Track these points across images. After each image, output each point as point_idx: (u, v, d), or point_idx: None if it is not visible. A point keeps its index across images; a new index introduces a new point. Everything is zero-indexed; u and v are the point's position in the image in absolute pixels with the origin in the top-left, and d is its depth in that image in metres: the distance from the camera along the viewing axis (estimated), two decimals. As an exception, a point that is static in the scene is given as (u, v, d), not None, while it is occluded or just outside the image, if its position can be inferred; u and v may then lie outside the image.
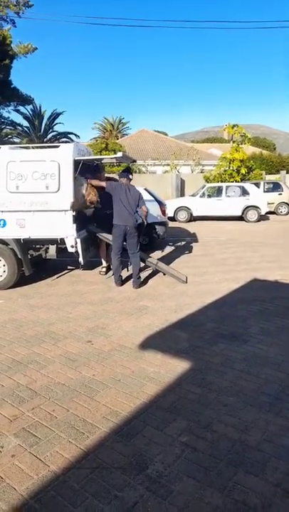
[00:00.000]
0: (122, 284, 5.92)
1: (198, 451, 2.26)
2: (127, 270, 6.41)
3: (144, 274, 6.46)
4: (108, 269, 6.70)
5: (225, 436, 2.39)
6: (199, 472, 2.10)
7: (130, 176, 5.95)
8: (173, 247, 9.09)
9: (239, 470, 2.11)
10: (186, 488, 2.00)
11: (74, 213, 5.55)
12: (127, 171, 6.10)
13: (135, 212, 5.79)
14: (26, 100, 25.54)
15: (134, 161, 8.13)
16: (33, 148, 6.56)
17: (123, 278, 6.04)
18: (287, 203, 16.70)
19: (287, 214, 16.59)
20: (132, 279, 5.88)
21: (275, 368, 3.25)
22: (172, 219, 13.93)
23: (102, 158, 7.10)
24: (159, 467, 2.14)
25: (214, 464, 2.16)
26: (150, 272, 6.51)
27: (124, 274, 6.25)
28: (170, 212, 13.58)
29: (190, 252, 8.61)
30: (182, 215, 14.64)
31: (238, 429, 2.46)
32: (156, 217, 8.24)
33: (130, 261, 5.94)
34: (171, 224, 10.79)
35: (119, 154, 6.24)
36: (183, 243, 9.72)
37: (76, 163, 5.61)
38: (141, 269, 6.63)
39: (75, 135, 28.91)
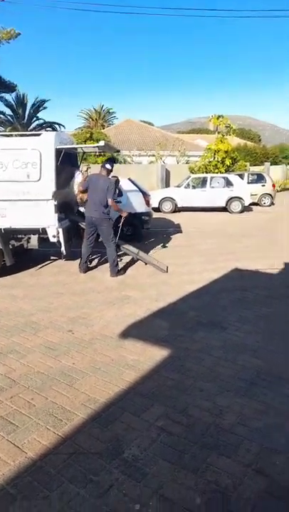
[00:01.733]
0: (85, 272, 6.03)
1: (174, 435, 2.32)
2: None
3: (125, 264, 6.48)
4: (90, 260, 6.69)
5: (200, 421, 2.45)
6: (174, 455, 2.16)
7: (107, 166, 5.83)
8: (157, 238, 9.11)
9: (212, 452, 2.17)
10: (161, 471, 2.05)
11: (56, 202, 5.50)
12: (108, 161, 6.03)
13: (106, 203, 5.65)
14: (9, 87, 24.90)
15: (118, 151, 8.07)
16: (14, 136, 6.45)
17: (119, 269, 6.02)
18: (270, 195, 16.87)
19: (270, 205, 16.77)
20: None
21: (252, 355, 3.33)
22: (157, 210, 13.92)
23: (85, 147, 7.03)
24: (135, 451, 2.19)
25: (189, 447, 2.22)
26: (132, 261, 6.52)
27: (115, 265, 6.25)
28: (155, 203, 13.55)
29: (174, 242, 8.65)
30: (167, 206, 14.65)
31: (212, 413, 2.52)
32: (140, 207, 8.24)
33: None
34: (155, 215, 10.80)
35: (102, 143, 6.18)
36: (167, 234, 9.76)
37: (58, 152, 5.55)
38: (122, 258, 6.65)
39: (60, 125, 28.45)
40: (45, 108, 28.36)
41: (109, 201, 5.65)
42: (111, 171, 5.87)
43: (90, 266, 6.47)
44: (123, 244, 6.41)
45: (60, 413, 2.54)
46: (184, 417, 2.48)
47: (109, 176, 5.91)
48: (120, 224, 6.25)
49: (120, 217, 6.23)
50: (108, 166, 5.82)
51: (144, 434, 2.33)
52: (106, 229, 5.79)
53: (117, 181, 7.20)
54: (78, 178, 6.45)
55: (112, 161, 6.17)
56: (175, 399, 2.68)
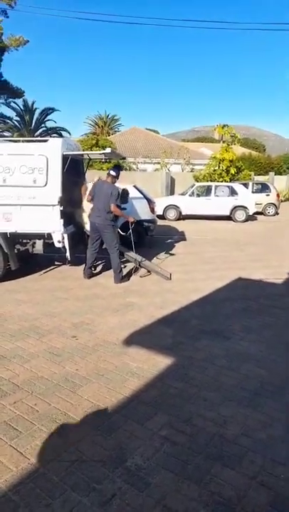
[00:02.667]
0: (89, 277, 6.06)
1: (178, 445, 2.30)
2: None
3: (129, 271, 6.49)
4: (95, 266, 6.71)
5: (204, 431, 2.43)
6: (177, 465, 2.14)
7: (112, 172, 5.80)
8: (161, 245, 9.12)
9: (216, 463, 2.16)
10: (164, 481, 2.03)
11: (61, 208, 5.54)
12: (113, 168, 6.02)
13: (109, 209, 5.63)
14: (17, 93, 25.25)
15: (124, 158, 8.15)
16: (22, 141, 6.51)
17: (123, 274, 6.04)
18: (274, 204, 16.89)
19: (274, 215, 16.78)
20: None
21: (256, 364, 3.31)
22: (161, 217, 13.96)
23: (91, 154, 7.08)
24: (138, 460, 2.17)
25: (192, 457, 2.20)
26: (136, 268, 6.52)
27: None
28: (159, 211, 13.60)
29: (177, 250, 8.65)
30: (171, 214, 14.68)
31: (216, 423, 2.50)
32: (144, 214, 8.26)
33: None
34: (160, 222, 10.82)
35: (108, 150, 6.23)
36: (171, 241, 9.77)
37: (65, 158, 5.59)
38: (126, 265, 6.66)
39: (66, 131, 28.75)
40: (52, 112, 28.63)
41: (112, 207, 5.63)
42: (117, 177, 5.86)
43: (95, 272, 6.48)
44: (127, 252, 6.42)
45: (63, 419, 2.54)
46: (188, 427, 2.47)
47: (115, 183, 5.92)
48: (130, 230, 6.22)
49: (127, 223, 6.24)
50: (112, 172, 5.80)
51: (147, 443, 2.32)
52: (109, 235, 5.79)
53: (127, 193, 7.16)
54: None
55: (118, 168, 6.16)
56: (179, 408, 2.67)
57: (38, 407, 2.66)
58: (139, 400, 2.76)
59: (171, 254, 7.87)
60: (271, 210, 16.87)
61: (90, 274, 6.12)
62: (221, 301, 5.04)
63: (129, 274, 6.20)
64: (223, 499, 1.92)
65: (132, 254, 6.40)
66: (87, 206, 6.42)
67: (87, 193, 6.12)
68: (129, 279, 6.03)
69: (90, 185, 6.30)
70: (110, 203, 5.62)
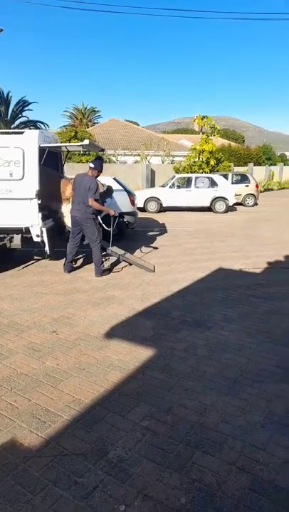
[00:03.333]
0: (70, 271, 6.01)
1: (159, 435, 2.32)
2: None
3: (110, 264, 6.46)
4: (76, 259, 6.65)
5: (184, 419, 2.46)
6: (159, 455, 2.16)
7: (90, 165, 5.69)
8: (142, 237, 9.11)
9: (197, 451, 2.19)
10: (146, 471, 2.05)
11: (39, 201, 5.44)
12: (94, 160, 5.86)
13: (87, 202, 5.55)
14: (-9, 84, 24.45)
15: (103, 150, 8.01)
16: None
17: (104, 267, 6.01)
18: (254, 195, 17.11)
19: (253, 205, 17.01)
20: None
21: (236, 353, 3.37)
22: (142, 209, 13.94)
23: (69, 146, 6.96)
24: (120, 452, 2.18)
25: (173, 446, 2.23)
26: (117, 261, 6.50)
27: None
28: (140, 203, 13.57)
29: (158, 242, 8.66)
30: (152, 206, 14.67)
31: (197, 411, 2.54)
32: (125, 207, 8.21)
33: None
34: (141, 214, 10.79)
35: (86, 142, 6.12)
36: (152, 233, 9.77)
37: (41, 150, 5.48)
38: (107, 258, 6.63)
39: (44, 124, 28.12)
40: (29, 104, 27.94)
41: (90, 201, 5.52)
42: (97, 169, 5.71)
43: (75, 266, 6.42)
44: (109, 247, 6.36)
45: (44, 415, 2.51)
46: (169, 417, 2.49)
47: (98, 176, 5.79)
48: (114, 225, 6.17)
49: (107, 216, 6.18)
50: (91, 164, 5.68)
51: (128, 434, 2.33)
52: (90, 229, 5.72)
53: (112, 190, 7.04)
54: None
55: (99, 160, 5.99)
56: (160, 398, 2.69)
57: (17, 404, 2.63)
58: (120, 392, 2.77)
59: (154, 248, 7.85)
60: (251, 201, 17.09)
61: (70, 269, 6.05)
62: (201, 292, 5.09)
63: (109, 269, 6.16)
64: (203, 485, 1.95)
65: (114, 249, 6.35)
66: (67, 200, 6.33)
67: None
68: (110, 273, 6.00)
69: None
70: (88, 197, 5.53)
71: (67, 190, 6.31)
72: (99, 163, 5.80)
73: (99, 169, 5.74)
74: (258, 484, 1.95)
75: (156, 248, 7.84)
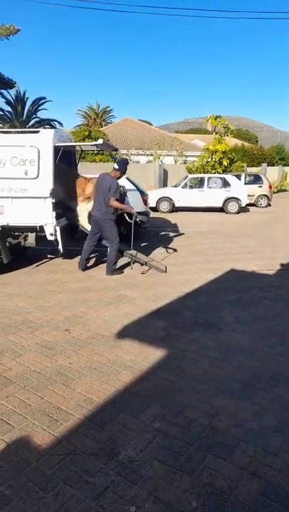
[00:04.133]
0: (84, 270, 6.03)
1: (170, 437, 2.31)
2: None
3: (121, 263, 6.48)
4: (89, 258, 6.69)
5: (196, 422, 2.44)
6: (170, 457, 2.15)
7: (115, 166, 5.75)
8: (154, 237, 9.10)
9: (208, 454, 2.17)
10: (157, 473, 2.04)
11: (54, 200, 5.48)
12: (119, 161, 5.91)
13: (108, 202, 5.57)
14: (8, 84, 24.75)
15: (116, 150, 8.03)
16: (13, 133, 6.41)
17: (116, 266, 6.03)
18: (267, 196, 16.94)
19: (266, 206, 16.84)
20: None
21: (248, 356, 3.33)
22: (154, 209, 13.93)
23: (83, 145, 7.00)
24: (131, 453, 2.18)
25: (185, 448, 2.22)
26: (129, 261, 6.51)
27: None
28: (152, 203, 13.56)
29: (170, 242, 8.64)
30: (164, 206, 14.65)
31: (209, 414, 2.52)
32: (137, 206, 8.21)
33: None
34: (153, 214, 10.80)
35: (100, 141, 6.15)
36: (164, 233, 9.75)
37: (56, 149, 5.52)
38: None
39: (59, 122, 28.34)
40: (44, 103, 28.19)
41: (110, 200, 5.57)
42: (120, 171, 5.72)
43: (89, 265, 6.45)
44: (127, 250, 6.36)
45: (56, 413, 2.53)
46: (180, 419, 2.48)
47: (118, 176, 5.78)
48: (133, 220, 6.11)
49: (123, 216, 6.19)
50: (115, 165, 5.75)
51: (140, 435, 2.33)
52: (109, 229, 5.72)
53: (124, 192, 7.02)
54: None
55: (123, 161, 5.99)
56: (171, 400, 2.68)
57: (30, 401, 2.66)
58: (131, 393, 2.77)
59: (174, 250, 7.63)
60: (263, 202, 16.92)
61: (85, 267, 6.09)
62: (213, 293, 5.06)
63: (122, 268, 6.16)
64: (215, 489, 1.93)
65: (129, 252, 6.35)
66: (86, 200, 6.34)
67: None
68: (122, 272, 6.01)
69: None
70: (109, 197, 5.54)
71: (87, 189, 6.31)
72: (123, 164, 5.83)
73: (122, 170, 5.77)
74: (270, 490, 1.93)
75: (175, 250, 7.61)
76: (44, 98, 28.37)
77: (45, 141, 5.50)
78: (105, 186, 5.57)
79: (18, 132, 6.33)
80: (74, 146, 6.68)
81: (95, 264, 6.56)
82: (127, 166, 5.98)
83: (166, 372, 3.05)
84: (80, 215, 6.39)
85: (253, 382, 2.92)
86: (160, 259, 6.77)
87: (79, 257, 6.64)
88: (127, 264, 6.44)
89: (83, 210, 6.37)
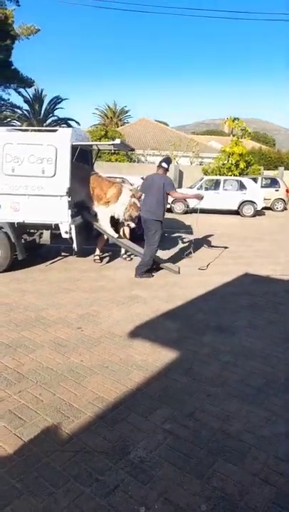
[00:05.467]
0: (141, 276, 5.76)
1: (180, 439, 2.30)
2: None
3: (135, 264, 6.49)
4: (102, 257, 6.72)
5: (207, 425, 2.43)
6: (180, 459, 2.14)
7: (163, 164, 5.72)
8: (166, 238, 9.08)
9: (219, 458, 2.16)
10: (167, 474, 2.04)
11: (69, 199, 5.52)
12: (166, 160, 5.88)
13: (163, 201, 5.54)
14: (27, 82, 25.16)
15: (133, 150, 8.06)
16: (31, 131, 6.49)
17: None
18: (283, 199, 16.73)
19: (283, 210, 16.63)
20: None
21: (261, 361, 3.30)
22: (169, 210, 13.87)
23: (100, 145, 7.04)
24: (142, 453, 2.18)
25: (195, 451, 2.21)
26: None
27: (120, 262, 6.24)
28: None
29: (184, 244, 8.61)
30: (179, 207, 14.61)
31: (220, 418, 2.50)
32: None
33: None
34: (167, 215, 10.73)
35: (117, 141, 6.17)
36: (177, 235, 9.72)
37: (74, 148, 5.56)
38: (132, 257, 6.64)
39: (76, 122, 28.63)
40: (61, 101, 28.48)
41: (173, 194, 5.64)
42: (168, 170, 5.74)
43: (101, 264, 6.49)
44: (133, 247, 6.36)
45: (67, 410, 2.55)
46: (191, 421, 2.47)
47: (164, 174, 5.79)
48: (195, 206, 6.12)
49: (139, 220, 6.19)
50: (165, 164, 5.74)
51: (150, 435, 2.33)
52: (154, 230, 5.62)
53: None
54: (125, 195, 6.26)
55: (169, 161, 6.00)
56: (182, 402, 2.67)
57: (42, 397, 2.68)
58: (142, 393, 2.77)
59: (190, 253, 7.40)
60: (280, 206, 16.72)
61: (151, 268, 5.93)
62: (227, 297, 5.02)
63: (151, 271, 5.97)
64: (225, 494, 1.92)
65: (138, 249, 6.35)
66: (106, 203, 6.28)
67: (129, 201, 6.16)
68: (152, 276, 5.84)
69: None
70: (168, 192, 5.56)
71: (109, 192, 6.24)
72: (170, 163, 5.91)
73: (168, 169, 5.86)
74: (282, 498, 1.90)
75: (190, 254, 7.57)
76: (60, 97, 28.65)
77: (62, 139, 5.55)
78: (158, 185, 5.53)
79: (35, 131, 6.40)
80: (91, 145, 6.72)
81: (108, 264, 6.59)
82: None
83: (178, 374, 3.04)
84: (98, 216, 6.36)
85: (265, 388, 2.88)
86: (175, 260, 6.75)
87: (92, 255, 6.70)
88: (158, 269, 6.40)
89: (105, 213, 6.30)
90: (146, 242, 5.77)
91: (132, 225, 6.40)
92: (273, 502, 1.88)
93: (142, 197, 5.86)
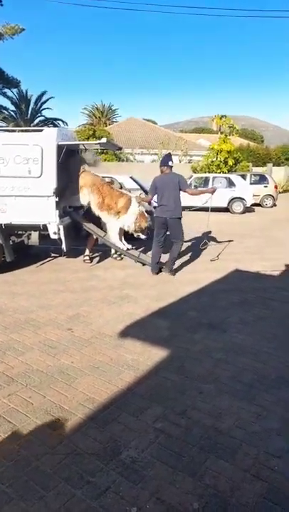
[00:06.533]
0: (157, 273, 5.86)
1: (172, 437, 2.30)
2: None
3: (125, 263, 6.47)
4: (92, 257, 6.69)
5: (198, 423, 2.42)
6: (172, 458, 2.14)
7: (170, 164, 5.77)
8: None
9: (211, 456, 2.15)
10: (159, 474, 2.03)
11: (57, 199, 5.48)
12: (169, 158, 5.91)
13: (180, 202, 5.60)
14: (12, 83, 24.88)
15: (120, 148, 8.03)
16: (17, 132, 6.42)
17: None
18: (272, 196, 16.84)
19: (272, 206, 16.75)
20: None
21: (252, 358, 3.30)
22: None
23: (87, 144, 7.00)
24: (133, 453, 2.17)
25: (187, 449, 2.20)
26: (132, 260, 6.49)
27: (108, 261, 6.21)
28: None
29: (199, 236, 8.51)
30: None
31: (211, 415, 2.50)
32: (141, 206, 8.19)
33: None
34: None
35: (103, 140, 6.14)
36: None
37: (60, 148, 5.52)
38: (122, 257, 6.61)
39: (63, 122, 28.46)
40: (48, 100, 28.29)
41: (188, 191, 5.70)
42: (169, 167, 5.81)
43: (91, 265, 6.45)
44: (124, 247, 6.35)
45: (58, 412, 2.52)
46: (183, 419, 2.46)
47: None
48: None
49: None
50: (171, 163, 5.81)
51: (142, 435, 2.31)
52: (177, 226, 5.72)
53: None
54: (134, 205, 6.25)
55: (170, 157, 6.05)
56: (174, 400, 2.66)
57: (32, 400, 2.65)
58: (133, 393, 2.75)
59: (205, 244, 7.34)
60: (269, 202, 16.83)
61: (158, 270, 5.91)
62: (217, 294, 5.03)
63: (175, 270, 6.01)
64: (217, 491, 1.91)
65: (127, 250, 6.34)
66: (114, 214, 6.20)
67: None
68: (175, 274, 5.88)
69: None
70: (184, 190, 5.63)
71: (120, 202, 6.19)
72: (171, 159, 5.95)
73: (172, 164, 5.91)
74: (273, 493, 1.91)
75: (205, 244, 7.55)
76: (46, 92, 28.37)
77: (48, 139, 5.50)
78: (174, 184, 5.59)
79: (21, 131, 6.34)
80: (78, 145, 6.67)
81: (98, 263, 6.56)
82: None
83: (169, 373, 3.03)
84: (108, 228, 6.32)
85: (256, 384, 2.89)
86: (163, 258, 6.73)
87: (82, 256, 6.66)
88: (132, 263, 6.42)
89: (116, 224, 6.24)
90: (174, 239, 5.79)
91: (143, 236, 6.34)
92: (264, 497, 1.88)
93: (155, 198, 5.83)
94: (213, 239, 8.58)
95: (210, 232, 8.56)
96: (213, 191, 6.26)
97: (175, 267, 6.02)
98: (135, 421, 2.44)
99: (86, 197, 6.17)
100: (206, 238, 7.31)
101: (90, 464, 2.08)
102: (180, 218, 5.71)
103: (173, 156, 21.39)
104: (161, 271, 5.95)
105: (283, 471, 2.05)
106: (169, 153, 6.55)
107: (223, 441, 2.27)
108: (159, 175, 5.90)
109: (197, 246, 7.50)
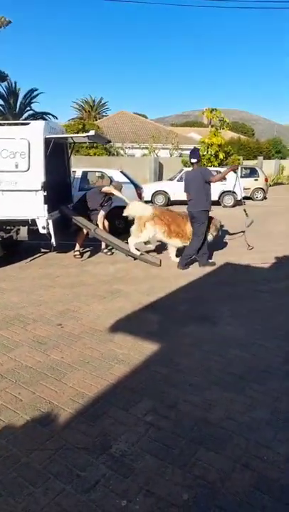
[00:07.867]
0: (184, 268, 5.83)
1: (162, 430, 2.30)
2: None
3: (116, 258, 6.45)
4: (82, 252, 6.65)
5: (189, 415, 2.43)
6: (162, 450, 2.14)
7: (193, 160, 5.84)
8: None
9: (200, 447, 2.16)
10: (148, 466, 2.03)
11: (45, 193, 5.42)
12: (194, 154, 5.95)
13: (204, 192, 5.68)
14: (0, 77, 24.47)
15: (109, 141, 7.96)
16: (4, 125, 6.32)
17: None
18: (263, 189, 16.91)
19: (262, 199, 16.82)
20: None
21: (242, 349, 3.32)
22: (150, 203, 13.86)
23: (75, 137, 6.92)
24: (123, 446, 2.16)
25: (177, 442, 2.20)
26: (123, 255, 6.47)
27: (102, 257, 6.18)
28: (147, 196, 13.50)
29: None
30: (160, 199, 14.59)
31: (201, 407, 2.51)
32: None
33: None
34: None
35: (92, 133, 6.07)
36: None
37: (47, 141, 5.45)
38: (113, 252, 6.59)
39: (53, 116, 28.09)
40: (37, 95, 27.91)
41: (213, 180, 5.74)
42: (199, 160, 5.91)
43: (82, 259, 6.42)
44: (114, 241, 6.32)
45: (47, 408, 2.51)
46: (173, 412, 2.47)
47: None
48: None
49: (115, 210, 6.15)
50: (193, 160, 5.85)
51: (132, 429, 2.31)
52: (201, 223, 5.76)
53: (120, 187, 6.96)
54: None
55: (194, 152, 6.01)
56: (164, 393, 2.66)
57: (21, 396, 2.63)
58: (124, 387, 2.75)
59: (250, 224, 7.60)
60: (259, 195, 16.89)
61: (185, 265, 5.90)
62: (208, 286, 5.04)
63: (189, 263, 5.98)
64: (206, 482, 1.92)
65: (119, 244, 6.31)
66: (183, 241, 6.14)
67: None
68: (184, 268, 5.84)
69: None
70: (208, 180, 5.69)
71: (187, 229, 6.06)
72: (195, 154, 5.95)
73: (199, 159, 6.02)
74: (262, 482, 1.92)
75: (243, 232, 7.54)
76: (36, 89, 28.04)
77: (35, 133, 5.42)
78: (197, 178, 5.69)
79: (8, 124, 6.24)
80: (66, 138, 6.59)
81: (89, 259, 6.52)
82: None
83: (159, 366, 3.03)
84: (171, 250, 6.36)
85: (246, 375, 2.91)
86: (153, 251, 6.73)
87: (72, 251, 6.62)
88: (124, 258, 6.40)
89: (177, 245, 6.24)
90: (194, 234, 5.84)
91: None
92: (254, 487, 1.89)
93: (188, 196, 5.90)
94: (226, 232, 8.56)
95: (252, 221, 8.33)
96: (235, 169, 6.29)
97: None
98: (125, 415, 2.44)
99: (152, 230, 6.05)
100: (251, 218, 7.47)
101: (80, 459, 2.07)
102: (203, 211, 5.73)
103: (163, 150, 21.19)
104: (188, 266, 5.94)
105: (272, 461, 2.06)
106: (194, 147, 6.58)
107: (213, 432, 2.28)
108: (187, 171, 6.11)
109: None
